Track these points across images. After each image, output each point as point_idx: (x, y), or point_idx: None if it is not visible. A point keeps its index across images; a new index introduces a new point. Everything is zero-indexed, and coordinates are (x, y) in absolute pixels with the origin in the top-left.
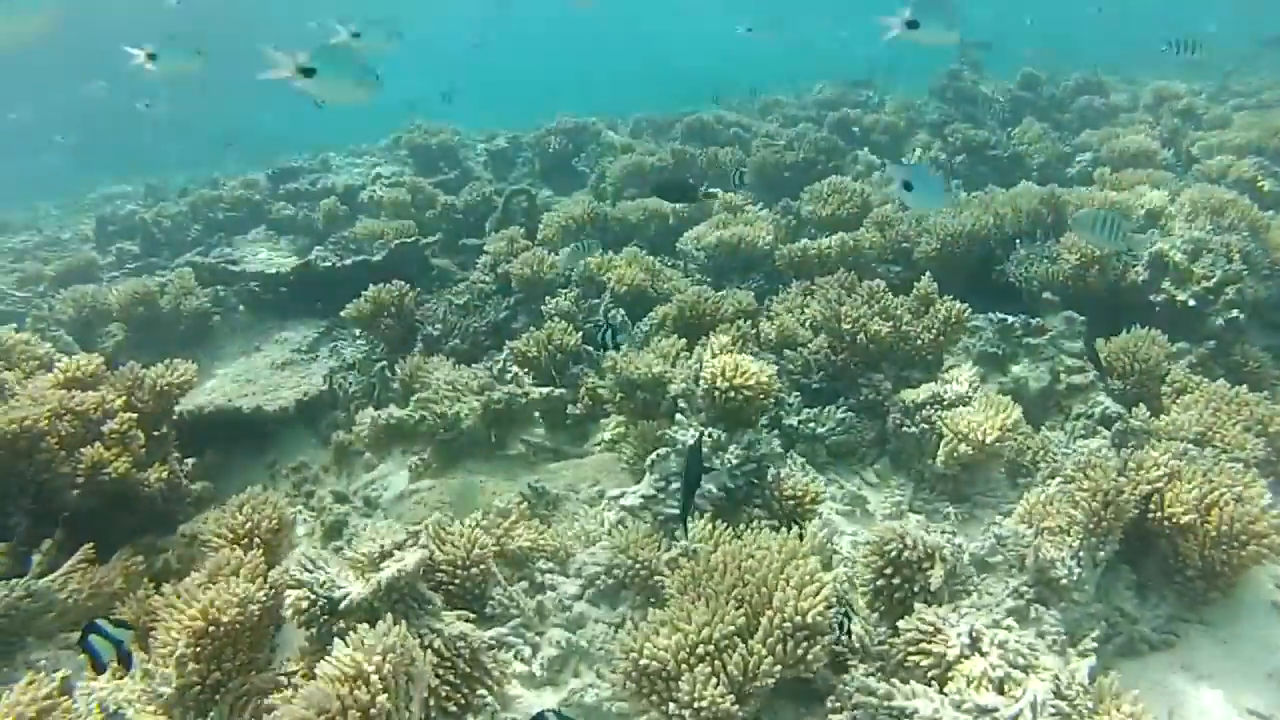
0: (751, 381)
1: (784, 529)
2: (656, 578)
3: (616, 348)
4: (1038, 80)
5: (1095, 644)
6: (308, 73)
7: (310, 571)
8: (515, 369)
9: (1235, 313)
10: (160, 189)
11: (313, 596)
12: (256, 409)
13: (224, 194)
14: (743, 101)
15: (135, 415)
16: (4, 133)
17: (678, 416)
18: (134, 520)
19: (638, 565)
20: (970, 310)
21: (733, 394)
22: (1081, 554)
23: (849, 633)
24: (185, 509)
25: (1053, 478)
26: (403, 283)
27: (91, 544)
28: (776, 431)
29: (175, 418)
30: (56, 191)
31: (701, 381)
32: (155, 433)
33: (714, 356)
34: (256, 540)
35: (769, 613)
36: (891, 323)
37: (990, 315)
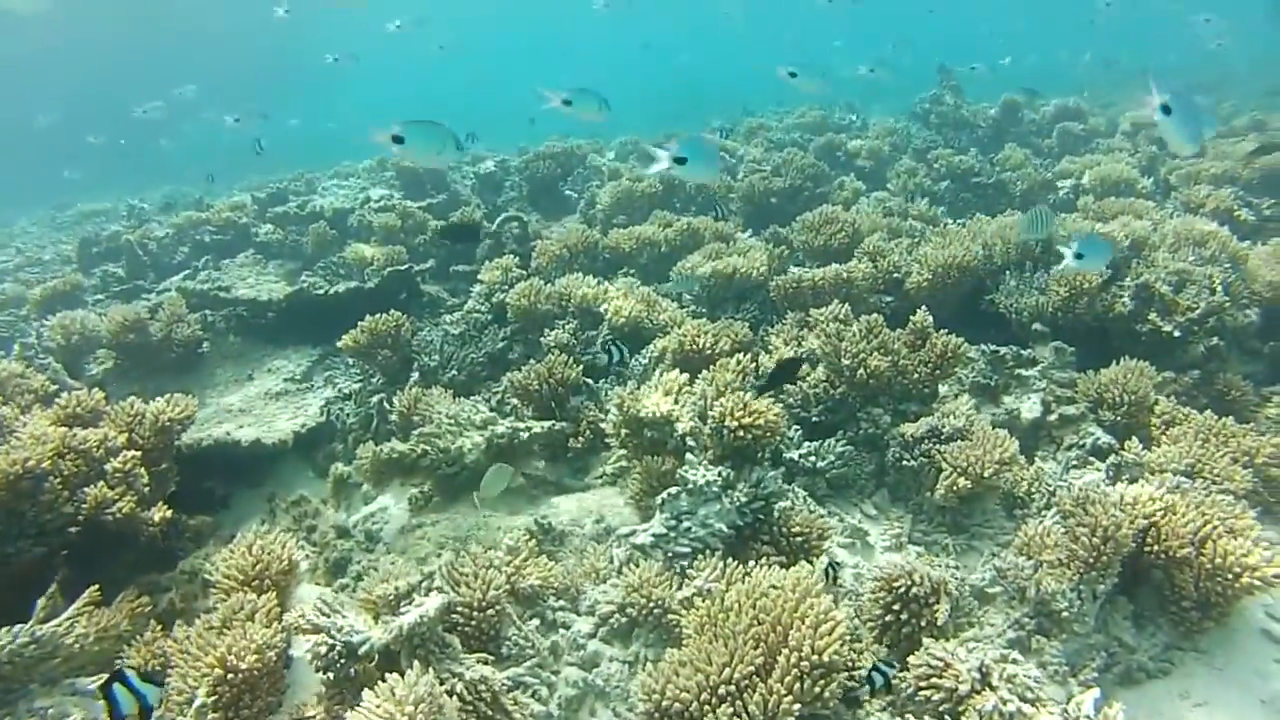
0: (760, 421)
1: (792, 565)
2: (670, 616)
3: (622, 361)
4: (1018, 106)
5: (1096, 674)
6: (398, 140)
7: (327, 616)
8: (515, 401)
9: (1216, 340)
10: (141, 210)
11: (332, 642)
12: (255, 442)
13: (211, 216)
14: (735, 122)
15: (138, 453)
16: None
17: (688, 456)
18: (133, 557)
19: (651, 604)
20: (964, 342)
21: (742, 433)
22: (1082, 587)
23: (888, 684)
24: (185, 544)
25: (1048, 509)
26: (399, 313)
27: (97, 585)
28: (777, 465)
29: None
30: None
31: (710, 420)
32: (156, 469)
33: (719, 395)
34: (268, 582)
35: (785, 651)
36: (890, 357)
37: (982, 346)
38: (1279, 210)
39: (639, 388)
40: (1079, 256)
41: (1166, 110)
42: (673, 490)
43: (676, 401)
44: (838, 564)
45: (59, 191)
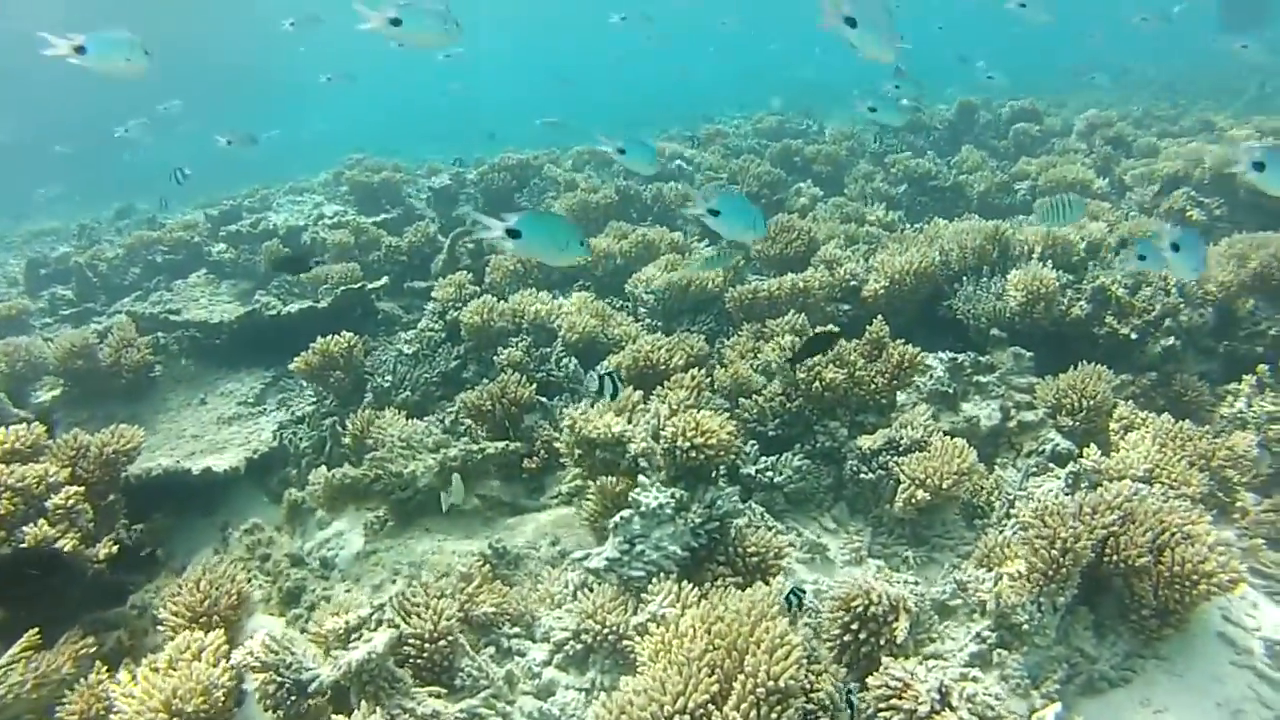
0: (713, 440)
1: (749, 586)
2: (625, 642)
3: (614, 396)
4: (974, 108)
5: (1058, 685)
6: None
7: (276, 654)
8: (469, 421)
9: (1173, 340)
10: (94, 229)
11: (280, 680)
12: (206, 470)
13: (163, 235)
14: (694, 129)
15: (82, 489)
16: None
17: (640, 478)
18: (79, 592)
19: (606, 630)
20: (921, 351)
21: (694, 452)
22: (1042, 599)
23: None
24: (135, 579)
25: (1008, 518)
26: (351, 334)
27: (37, 629)
28: (734, 482)
29: (122, 483)
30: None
31: (661, 440)
32: (102, 503)
33: (672, 413)
34: (216, 618)
35: (741, 678)
36: (846, 369)
37: (940, 354)
38: (1227, 210)
39: (593, 405)
40: (1141, 258)
41: (1260, 167)
42: (625, 513)
43: (631, 420)
44: (801, 591)
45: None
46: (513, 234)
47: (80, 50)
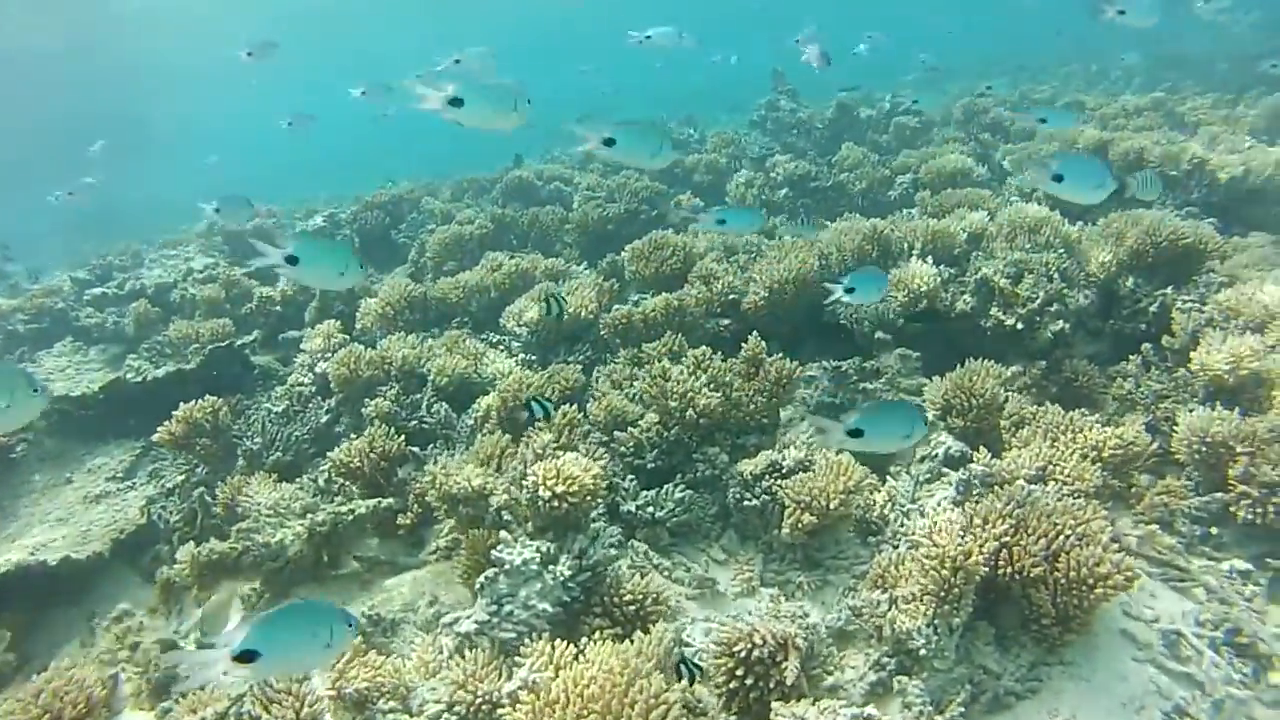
0: (575, 487)
1: (629, 636)
2: (500, 711)
3: (547, 416)
4: (853, 105)
5: (963, 707)
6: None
7: None
8: (340, 480)
9: (1062, 324)
10: None
11: None
12: (65, 559)
13: (23, 303)
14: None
15: None
16: None
17: (502, 534)
18: None
19: (479, 699)
20: (802, 365)
21: (556, 502)
22: (937, 622)
23: None
24: None
25: (902, 534)
26: (214, 397)
27: None
28: (615, 521)
29: None
30: None
31: (524, 489)
32: None
33: (537, 459)
34: None
35: None
36: (721, 391)
37: (824, 363)
38: None
39: (466, 450)
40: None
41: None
42: (490, 573)
43: (499, 467)
44: (695, 665)
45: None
46: (291, 261)
47: (455, 103)
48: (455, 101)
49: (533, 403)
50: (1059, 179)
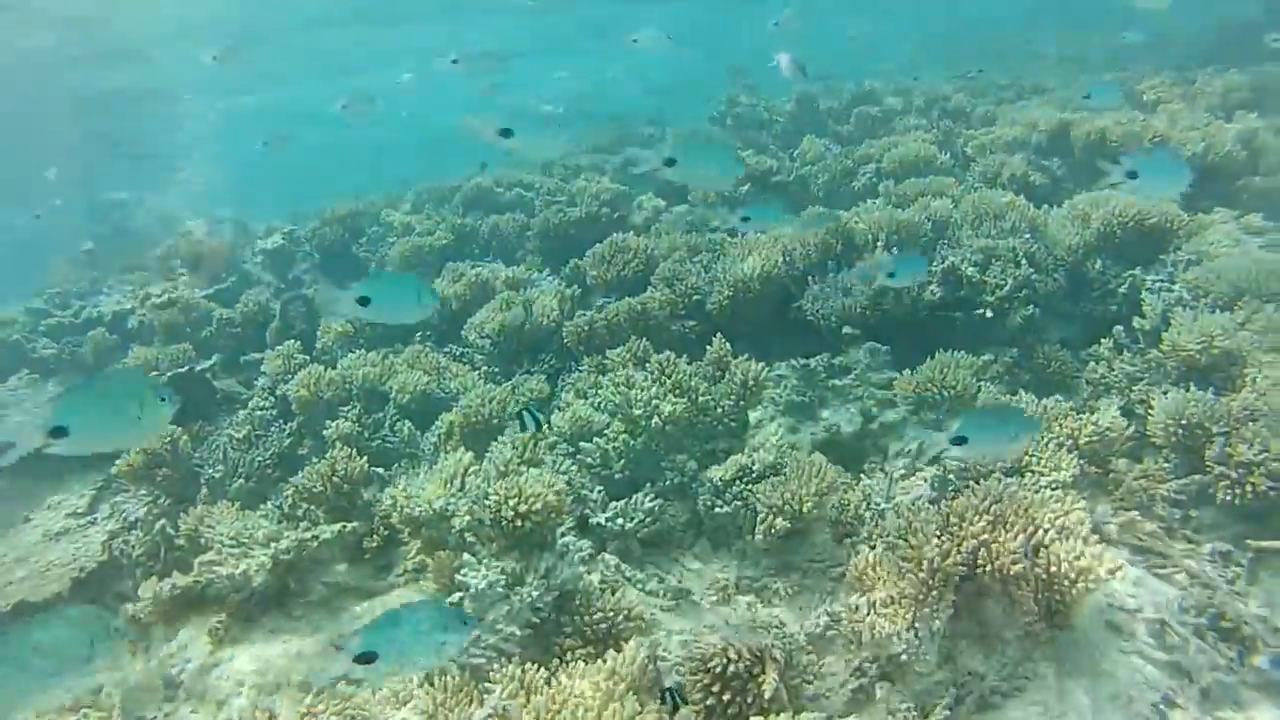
0: (538, 505)
1: (601, 655)
2: None
3: (539, 426)
4: (814, 97)
5: (948, 710)
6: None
7: None
8: (304, 505)
9: (1032, 309)
10: None
11: None
12: (20, 604)
13: None
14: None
15: None
16: None
17: (465, 556)
18: None
19: None
20: (769, 366)
21: (520, 521)
22: (917, 625)
23: None
24: None
25: (878, 535)
26: (173, 425)
27: None
28: (584, 534)
29: None
30: None
31: (487, 509)
32: None
33: (500, 475)
34: None
35: None
36: (686, 397)
37: (792, 361)
38: (1068, 170)
39: (430, 469)
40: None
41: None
42: (455, 596)
43: (463, 486)
44: (682, 698)
45: None
46: (363, 302)
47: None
48: (505, 132)
49: (523, 414)
50: (1133, 175)
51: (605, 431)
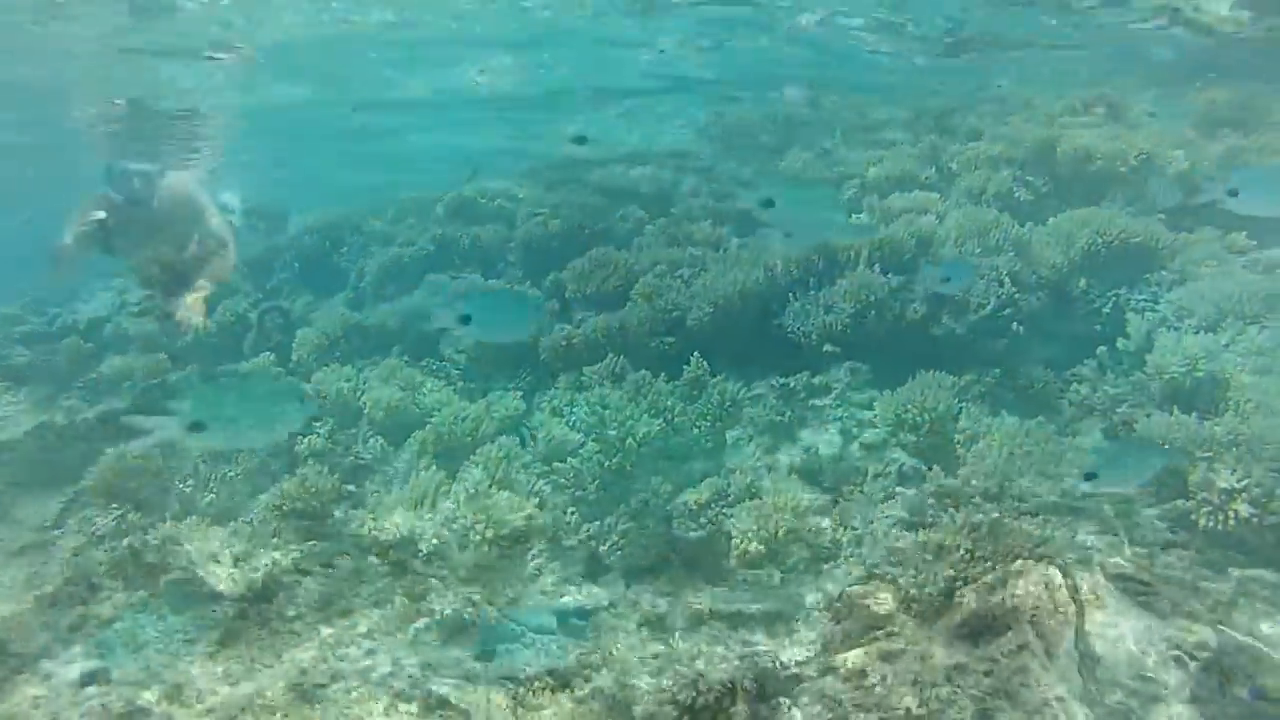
0: (505, 531)
1: (570, 686)
2: None
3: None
4: (801, 113)
5: None
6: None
7: None
8: (275, 523)
9: (1017, 326)
10: None
11: None
12: None
13: None
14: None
15: None
16: None
17: (431, 581)
18: None
19: None
20: (747, 386)
21: (488, 547)
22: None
23: None
24: None
25: (856, 560)
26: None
27: None
28: (556, 555)
29: None
30: None
31: (455, 533)
32: None
33: (469, 498)
34: None
35: None
36: (662, 418)
37: (771, 381)
38: (1053, 186)
39: (401, 488)
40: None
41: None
42: (420, 624)
43: (434, 507)
44: None
45: None
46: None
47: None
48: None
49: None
50: (1234, 194)
51: (580, 451)
